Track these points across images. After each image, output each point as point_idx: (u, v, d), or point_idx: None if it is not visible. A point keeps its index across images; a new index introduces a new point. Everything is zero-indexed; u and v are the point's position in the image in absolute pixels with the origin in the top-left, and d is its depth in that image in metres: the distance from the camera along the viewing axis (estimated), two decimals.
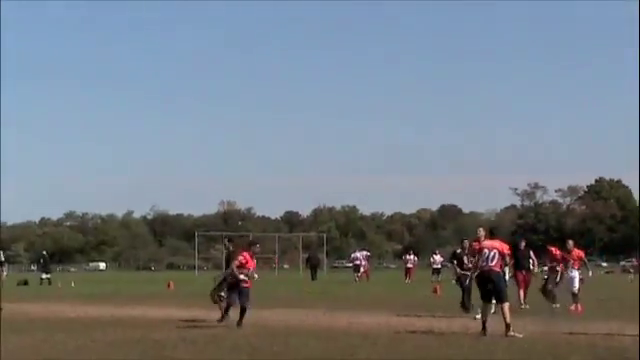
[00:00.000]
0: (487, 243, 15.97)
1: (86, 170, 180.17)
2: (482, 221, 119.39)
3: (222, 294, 18.67)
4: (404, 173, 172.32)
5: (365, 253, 54.97)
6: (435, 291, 30.56)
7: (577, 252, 22.62)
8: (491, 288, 15.50)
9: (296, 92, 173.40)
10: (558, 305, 20.64)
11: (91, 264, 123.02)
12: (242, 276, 17.41)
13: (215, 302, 18.98)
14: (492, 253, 15.60)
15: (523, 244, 23.50)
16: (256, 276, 17.99)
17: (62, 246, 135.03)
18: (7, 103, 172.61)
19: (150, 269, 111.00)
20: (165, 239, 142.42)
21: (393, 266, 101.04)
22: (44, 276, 47.67)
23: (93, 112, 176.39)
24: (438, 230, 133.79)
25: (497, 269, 15.66)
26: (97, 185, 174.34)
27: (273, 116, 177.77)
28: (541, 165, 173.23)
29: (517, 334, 14.95)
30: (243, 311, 17.36)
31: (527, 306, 21.79)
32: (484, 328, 15.25)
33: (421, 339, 14.88)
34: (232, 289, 17.41)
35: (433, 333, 15.80)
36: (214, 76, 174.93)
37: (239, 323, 17.08)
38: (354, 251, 58.01)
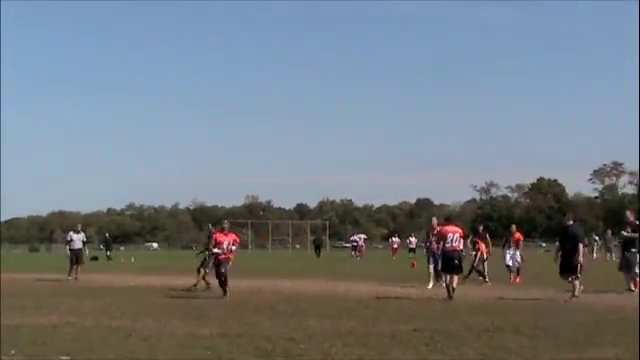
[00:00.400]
0: (450, 228, 15.97)
1: (143, 170, 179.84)
2: (449, 211, 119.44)
3: (206, 270, 18.68)
4: (390, 173, 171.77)
5: (362, 236, 54.61)
6: (412, 265, 30.55)
7: (517, 235, 22.67)
8: (455, 263, 15.60)
9: (305, 106, 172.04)
10: (489, 281, 20.44)
11: (146, 244, 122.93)
12: (216, 250, 16.58)
13: (203, 277, 18.99)
14: (455, 236, 15.70)
15: (481, 228, 23.57)
16: (233, 247, 16.71)
17: (124, 230, 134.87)
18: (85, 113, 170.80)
19: (192, 248, 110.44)
20: (203, 225, 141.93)
21: (380, 246, 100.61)
22: (108, 253, 47.98)
23: (148, 125, 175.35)
24: (415, 218, 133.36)
25: (459, 248, 15.76)
26: (151, 182, 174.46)
27: (289, 127, 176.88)
28: (495, 166, 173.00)
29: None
30: (220, 279, 16.47)
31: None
32: (449, 293, 15.32)
33: (402, 303, 14.93)
34: (218, 264, 16.54)
35: (411, 298, 15.85)
36: (240, 92, 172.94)
37: (225, 292, 16.28)
38: (352, 234, 57.69)
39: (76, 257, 23.83)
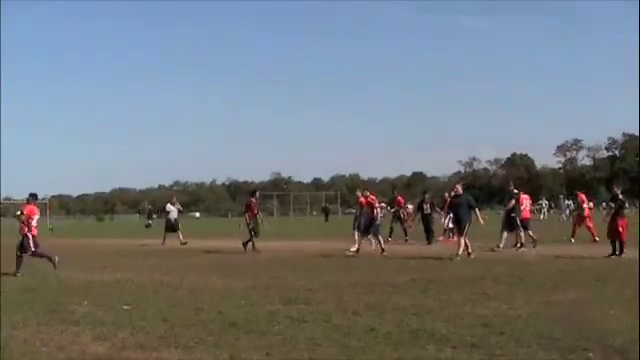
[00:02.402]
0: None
1: (188, 153, 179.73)
2: (439, 183, 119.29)
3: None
4: (389, 151, 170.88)
5: (383, 204, 54.23)
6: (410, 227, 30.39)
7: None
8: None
9: (319, 98, 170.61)
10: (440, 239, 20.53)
11: (190, 214, 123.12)
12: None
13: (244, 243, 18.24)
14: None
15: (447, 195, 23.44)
16: (29, 221, 12.78)
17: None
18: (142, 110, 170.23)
19: (227, 216, 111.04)
20: (237, 197, 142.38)
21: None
22: (149, 222, 46.03)
23: (194, 119, 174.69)
24: (411, 189, 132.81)
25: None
26: (194, 162, 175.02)
27: (306, 117, 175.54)
28: (477, 144, 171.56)
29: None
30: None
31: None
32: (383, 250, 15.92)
33: (401, 260, 14.93)
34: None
35: (409, 254, 15.83)
36: (266, 90, 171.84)
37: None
38: None
39: (173, 225, 22.69)
